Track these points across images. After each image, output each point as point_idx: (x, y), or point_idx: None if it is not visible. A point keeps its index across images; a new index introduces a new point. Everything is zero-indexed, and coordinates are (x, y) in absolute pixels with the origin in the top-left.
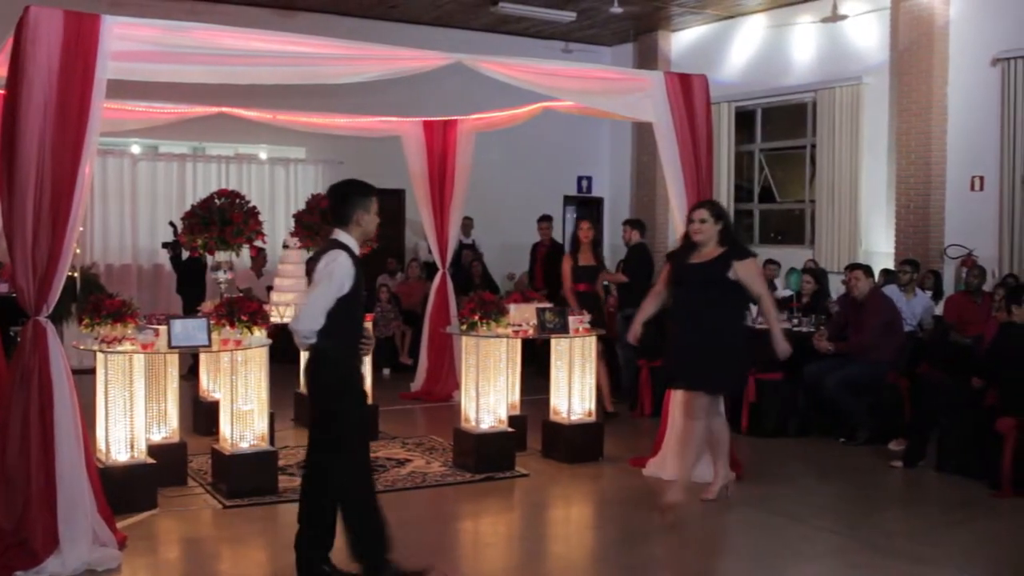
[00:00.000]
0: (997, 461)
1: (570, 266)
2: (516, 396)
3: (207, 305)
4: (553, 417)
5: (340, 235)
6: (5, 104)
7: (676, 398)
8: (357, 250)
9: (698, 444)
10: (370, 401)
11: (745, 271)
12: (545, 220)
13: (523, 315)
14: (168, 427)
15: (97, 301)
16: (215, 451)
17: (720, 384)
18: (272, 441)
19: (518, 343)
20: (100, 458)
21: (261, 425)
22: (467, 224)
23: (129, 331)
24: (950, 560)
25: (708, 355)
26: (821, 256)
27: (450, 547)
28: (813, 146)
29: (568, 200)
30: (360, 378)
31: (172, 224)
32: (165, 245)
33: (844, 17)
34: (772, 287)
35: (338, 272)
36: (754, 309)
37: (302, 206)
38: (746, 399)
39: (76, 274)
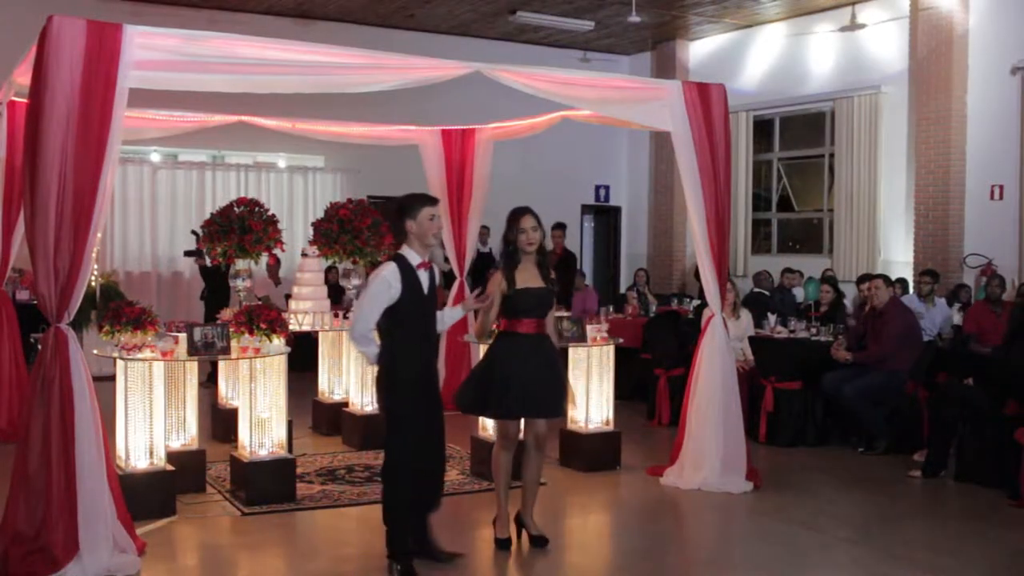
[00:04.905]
0: (1016, 471)
1: None
2: None
3: (226, 313)
4: (571, 426)
5: (402, 248)
6: (28, 113)
7: (696, 409)
8: (418, 259)
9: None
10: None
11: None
12: (558, 228)
13: None
14: (187, 434)
15: (117, 308)
16: (234, 458)
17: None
18: (290, 448)
19: None
20: (120, 465)
21: (279, 432)
22: (483, 233)
23: (149, 338)
24: (969, 571)
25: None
26: (839, 265)
27: (467, 555)
28: (831, 155)
29: (586, 209)
30: (418, 380)
31: (195, 232)
32: (188, 253)
33: (862, 26)
34: (791, 296)
35: (374, 282)
36: (772, 318)
37: (320, 214)
38: (764, 408)
39: (95, 281)
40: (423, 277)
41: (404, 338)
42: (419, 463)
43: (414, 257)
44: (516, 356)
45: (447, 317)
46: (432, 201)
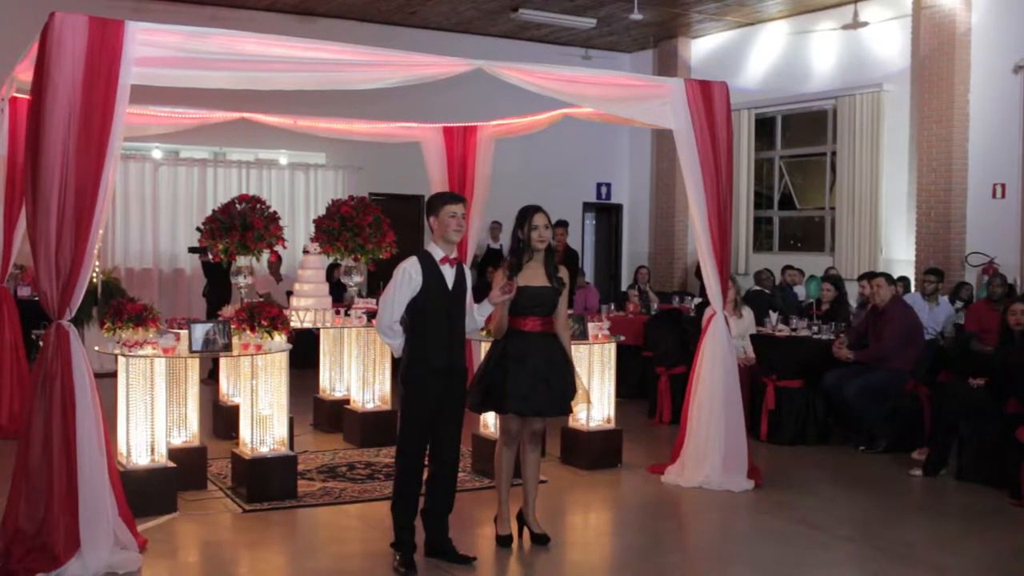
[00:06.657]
0: (1017, 470)
1: None
2: None
3: (228, 309)
4: (572, 423)
5: (428, 244)
6: (30, 109)
7: (697, 407)
8: (442, 254)
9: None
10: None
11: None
12: (561, 226)
13: None
14: (188, 431)
15: (118, 305)
16: (235, 455)
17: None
18: (291, 445)
19: None
20: (121, 461)
21: (281, 429)
22: (495, 228)
23: (150, 335)
24: (970, 569)
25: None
26: (841, 263)
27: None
28: (833, 153)
29: (587, 206)
30: (435, 376)
31: (199, 229)
32: (192, 250)
33: (865, 24)
34: (792, 294)
35: (397, 274)
36: (773, 316)
37: (322, 211)
38: (765, 406)
39: (96, 277)
40: (447, 272)
41: (425, 332)
42: (431, 465)
43: (437, 252)
44: (519, 354)
45: (477, 314)
46: (455, 199)
